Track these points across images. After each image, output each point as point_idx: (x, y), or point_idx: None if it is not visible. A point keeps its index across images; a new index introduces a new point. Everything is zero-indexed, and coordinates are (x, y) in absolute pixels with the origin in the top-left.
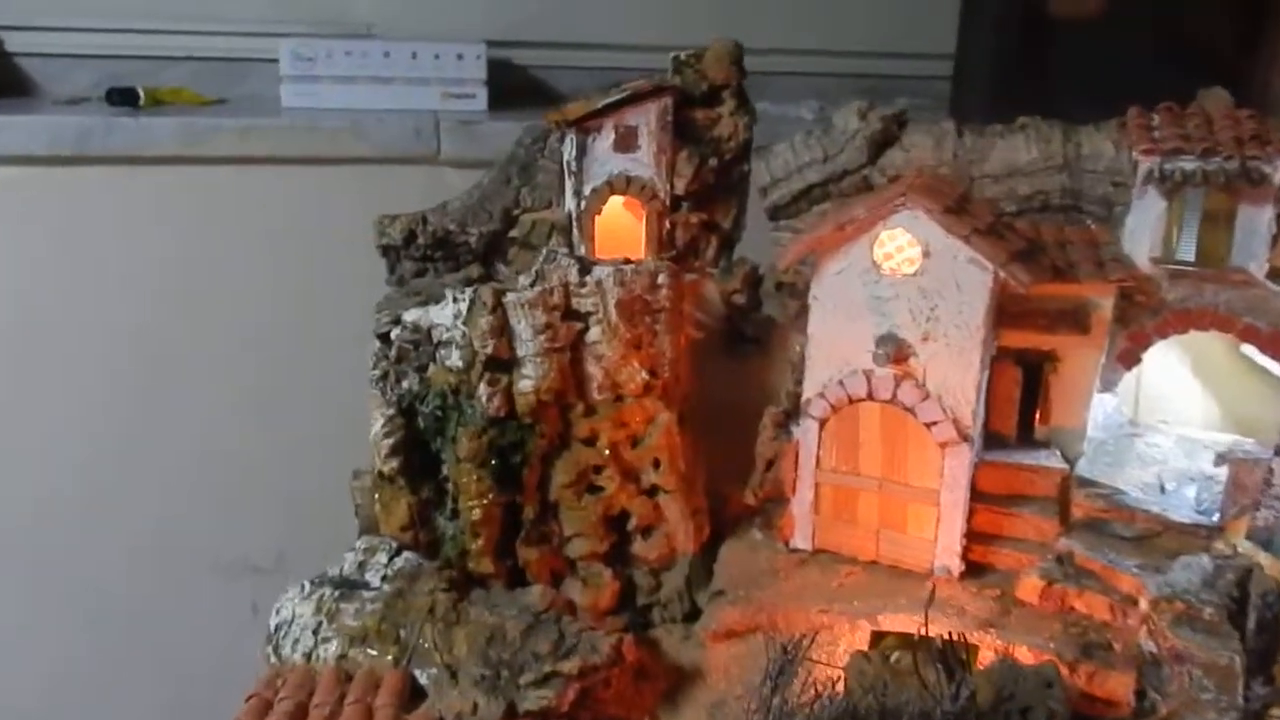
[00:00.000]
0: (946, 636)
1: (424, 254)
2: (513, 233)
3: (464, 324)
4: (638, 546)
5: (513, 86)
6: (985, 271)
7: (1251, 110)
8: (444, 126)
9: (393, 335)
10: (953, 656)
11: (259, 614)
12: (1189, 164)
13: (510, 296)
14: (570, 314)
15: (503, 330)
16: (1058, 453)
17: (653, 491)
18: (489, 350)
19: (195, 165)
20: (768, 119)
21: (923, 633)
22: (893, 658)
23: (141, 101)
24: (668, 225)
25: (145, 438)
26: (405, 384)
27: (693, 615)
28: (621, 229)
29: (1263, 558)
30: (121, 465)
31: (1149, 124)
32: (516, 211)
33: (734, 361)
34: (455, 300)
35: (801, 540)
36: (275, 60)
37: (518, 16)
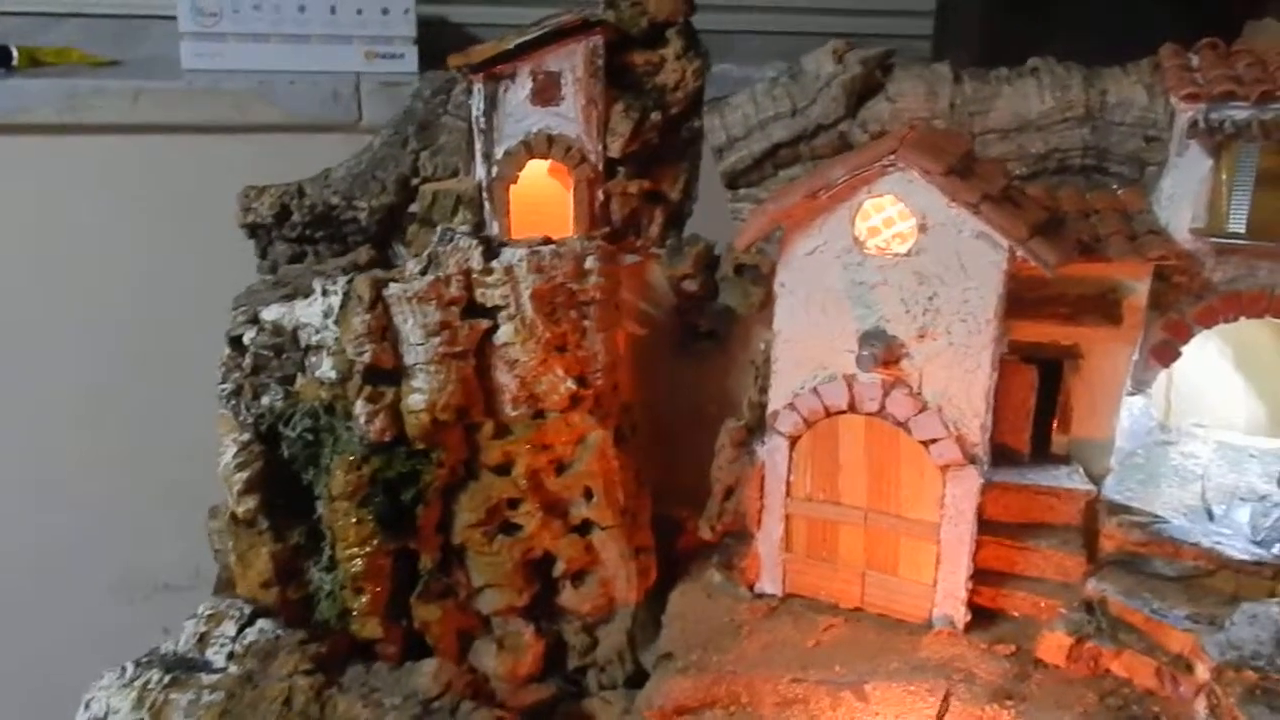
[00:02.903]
0: None
1: (301, 234)
2: (412, 207)
3: (336, 324)
4: (567, 597)
5: (448, 46)
6: (999, 250)
7: None
8: (366, 89)
9: (246, 339)
10: None
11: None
12: (1241, 112)
13: (394, 289)
14: (474, 309)
15: (385, 332)
16: (1080, 470)
17: (584, 528)
18: (366, 358)
19: (76, 134)
20: (730, 82)
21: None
22: None
23: (15, 61)
24: (601, 196)
25: (28, 440)
26: (265, 400)
27: (637, 679)
28: (546, 201)
29: None
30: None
31: (1188, 64)
32: (415, 181)
33: (687, 362)
34: (325, 294)
35: (770, 584)
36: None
37: None
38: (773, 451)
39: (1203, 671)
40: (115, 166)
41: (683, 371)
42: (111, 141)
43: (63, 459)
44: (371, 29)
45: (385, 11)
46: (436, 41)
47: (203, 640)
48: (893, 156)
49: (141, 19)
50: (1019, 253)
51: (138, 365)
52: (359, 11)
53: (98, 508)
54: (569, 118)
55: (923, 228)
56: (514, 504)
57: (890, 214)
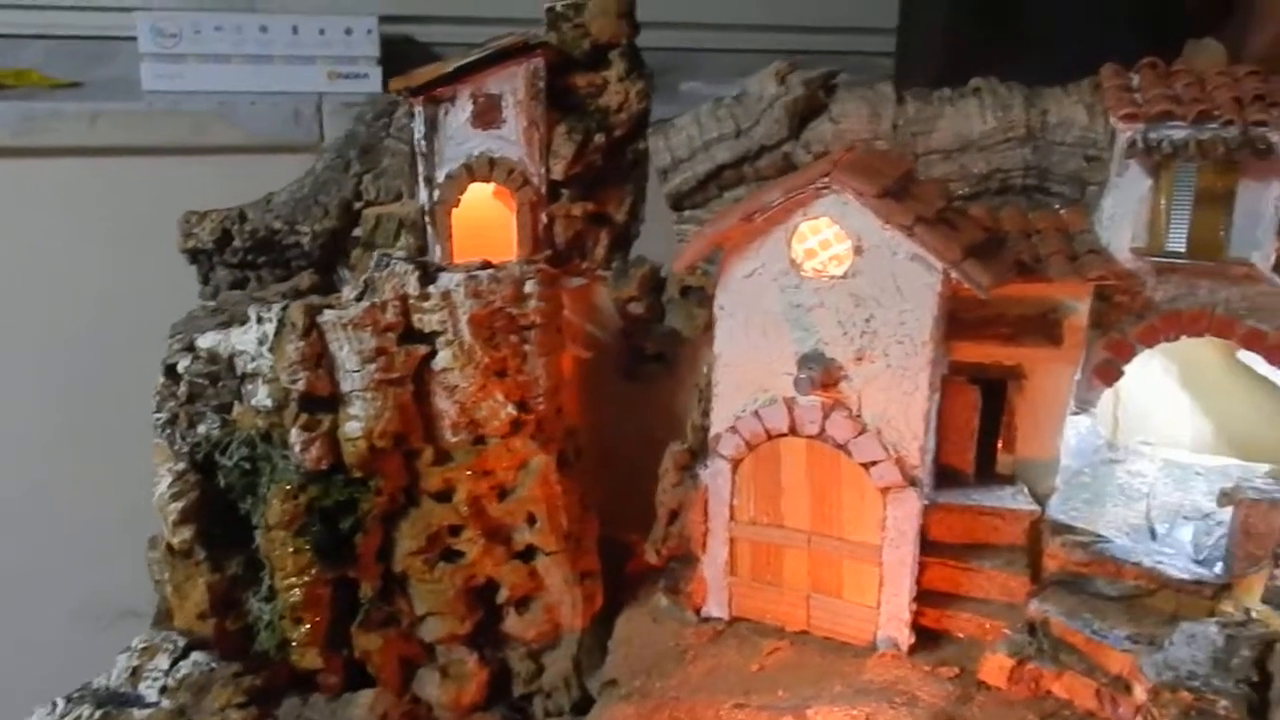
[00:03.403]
0: None
1: (243, 259)
2: (356, 231)
3: (271, 351)
4: (512, 623)
5: (412, 66)
6: (933, 272)
7: (1253, 67)
8: (328, 110)
9: (180, 367)
10: None
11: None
12: (1179, 132)
13: (328, 315)
14: (411, 335)
15: (320, 359)
16: (1025, 490)
17: (528, 554)
18: (300, 385)
19: (32, 157)
20: (699, 100)
21: None
22: None
23: None
24: (544, 219)
25: None
26: (201, 429)
27: (583, 705)
28: (491, 225)
29: None
30: None
31: (1128, 84)
32: (358, 205)
33: (635, 385)
34: (260, 321)
35: (716, 608)
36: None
37: None
38: (715, 475)
39: (1140, 693)
40: (73, 189)
41: (630, 394)
42: (69, 164)
43: (22, 483)
44: (335, 49)
45: (349, 32)
46: (401, 61)
47: (135, 674)
48: (827, 179)
49: (105, 40)
50: (953, 275)
51: (102, 388)
52: (322, 32)
53: (59, 533)
54: (511, 140)
55: (858, 250)
56: (455, 531)
57: (826, 236)
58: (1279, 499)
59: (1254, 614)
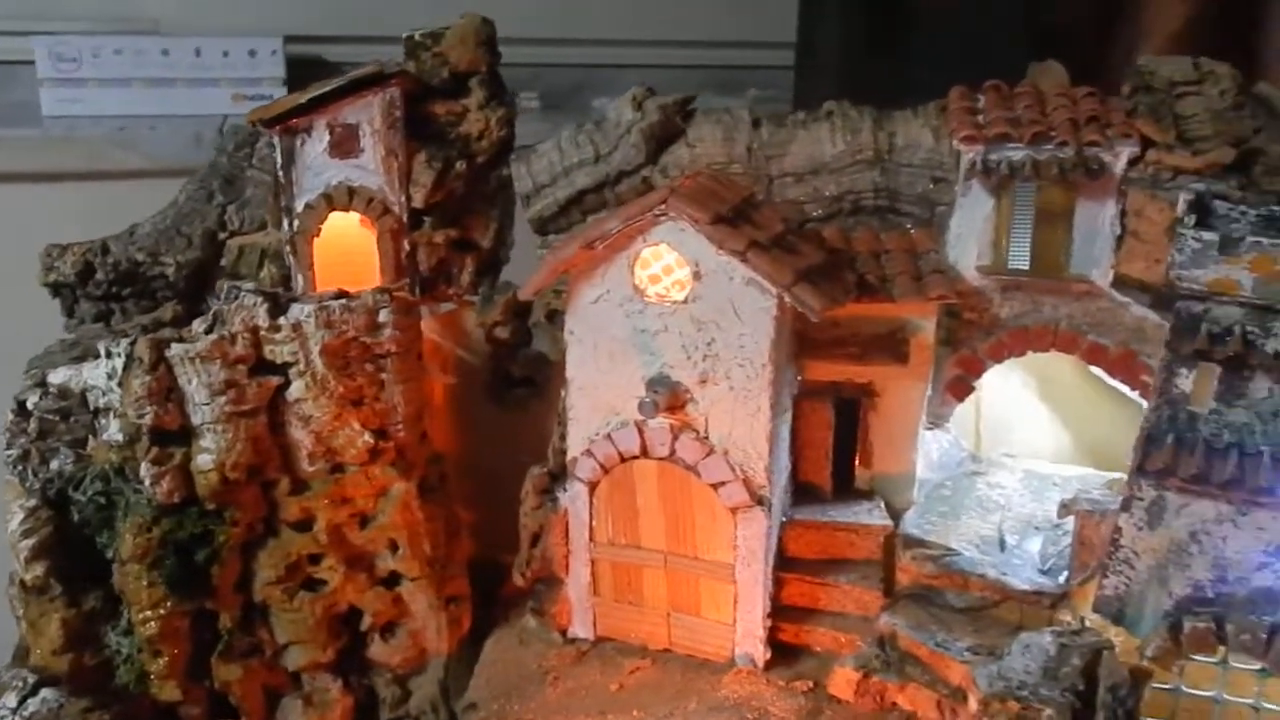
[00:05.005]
0: None
1: (107, 292)
2: (224, 261)
3: (120, 386)
4: (377, 650)
5: None
6: (768, 296)
7: (1091, 88)
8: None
9: (30, 404)
10: None
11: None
12: (1017, 153)
13: (176, 349)
14: (263, 367)
15: (169, 392)
16: (881, 505)
17: (393, 580)
18: (148, 419)
19: None
20: None
21: None
22: None
23: None
24: (407, 246)
25: None
26: (54, 465)
27: None
28: (357, 253)
29: (1114, 633)
30: None
31: (973, 107)
32: (223, 235)
33: (504, 409)
34: (109, 355)
35: (581, 628)
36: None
37: (326, 8)
38: (574, 498)
39: (974, 704)
40: None
41: (502, 418)
42: None
43: None
44: (239, 71)
45: (253, 54)
46: (310, 81)
47: None
48: (663, 206)
49: (6, 65)
50: (786, 298)
51: None
52: (226, 54)
53: None
54: (370, 169)
55: (697, 275)
56: (316, 559)
57: (668, 262)
58: (1110, 510)
59: (1087, 623)
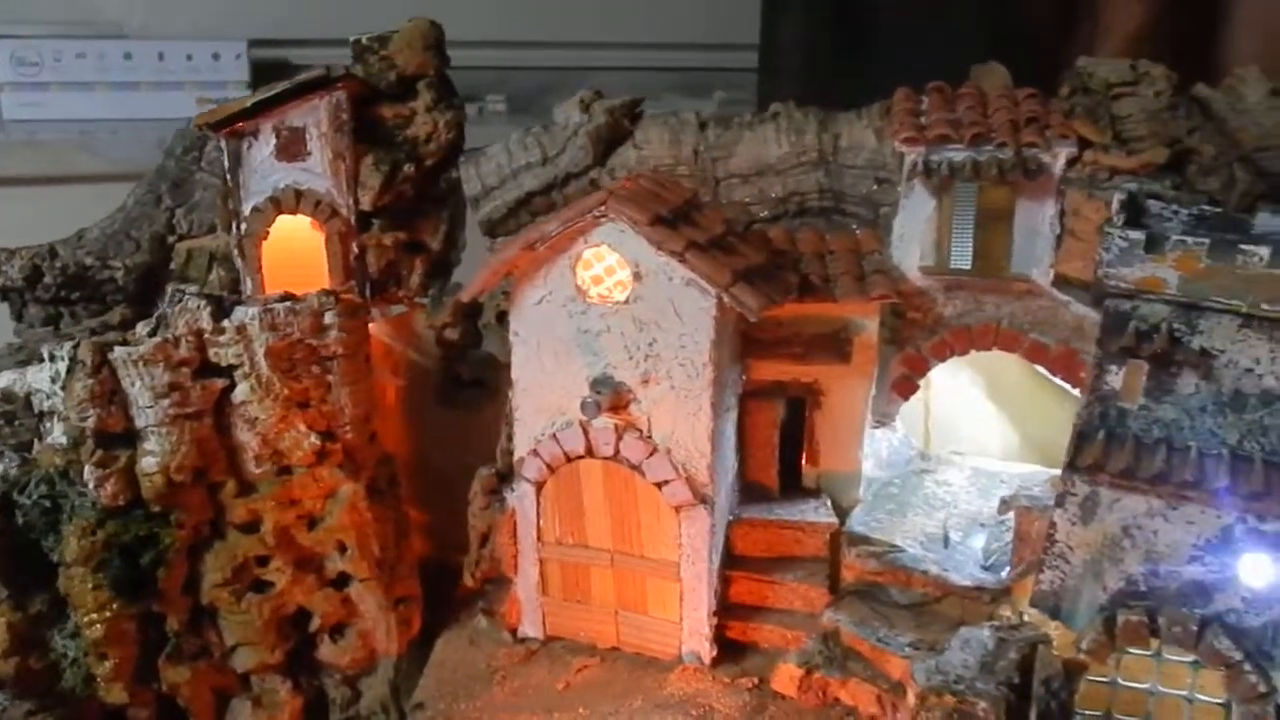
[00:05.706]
0: None
1: (55, 296)
2: (173, 265)
3: (63, 389)
4: (326, 651)
5: None
6: (708, 296)
7: (1033, 89)
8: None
9: None
10: None
11: None
12: (958, 154)
13: (119, 352)
14: (207, 369)
15: (113, 395)
16: (828, 503)
17: (342, 582)
18: (91, 422)
19: None
20: None
21: None
22: None
23: None
24: (355, 249)
25: None
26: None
27: None
28: (307, 256)
29: (1052, 627)
30: None
31: (917, 108)
32: (172, 239)
33: (455, 410)
34: (53, 359)
35: (530, 627)
36: None
37: (291, 11)
38: (521, 498)
39: (912, 697)
40: None
41: (453, 419)
42: None
43: None
44: (203, 74)
45: (216, 57)
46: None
47: None
48: (603, 208)
49: None
50: (725, 299)
51: None
52: (189, 57)
53: None
54: (317, 172)
55: (638, 276)
56: (264, 561)
57: (610, 263)
58: (1048, 506)
59: (1025, 617)
